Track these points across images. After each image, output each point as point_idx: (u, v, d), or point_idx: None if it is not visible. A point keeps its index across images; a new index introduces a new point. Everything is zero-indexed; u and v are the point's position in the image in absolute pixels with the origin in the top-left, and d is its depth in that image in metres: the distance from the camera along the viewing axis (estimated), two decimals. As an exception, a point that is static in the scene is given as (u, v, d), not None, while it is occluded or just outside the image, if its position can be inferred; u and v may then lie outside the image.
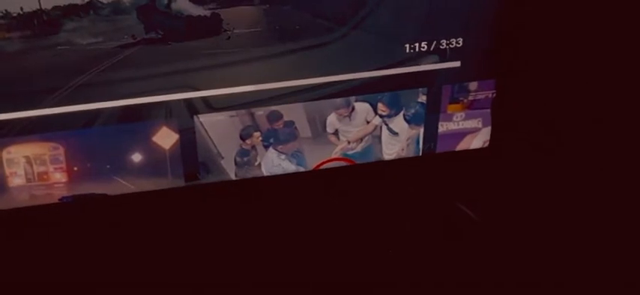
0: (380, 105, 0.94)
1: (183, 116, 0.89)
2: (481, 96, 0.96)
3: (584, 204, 0.99)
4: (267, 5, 0.86)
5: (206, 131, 0.91)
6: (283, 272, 0.95)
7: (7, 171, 0.87)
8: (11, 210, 0.89)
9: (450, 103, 0.96)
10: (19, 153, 0.87)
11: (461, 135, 0.98)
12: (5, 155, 0.87)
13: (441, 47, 0.92)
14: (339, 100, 0.93)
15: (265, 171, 0.95)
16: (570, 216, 0.99)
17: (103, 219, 0.94)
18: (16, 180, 0.88)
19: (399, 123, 0.96)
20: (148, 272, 0.94)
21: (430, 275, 0.95)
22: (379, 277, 0.95)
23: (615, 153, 0.98)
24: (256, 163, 0.94)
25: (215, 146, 0.92)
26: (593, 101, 0.97)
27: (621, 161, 0.97)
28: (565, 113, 0.98)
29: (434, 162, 0.98)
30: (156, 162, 0.91)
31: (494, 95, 0.96)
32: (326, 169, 0.96)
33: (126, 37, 0.84)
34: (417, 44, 0.91)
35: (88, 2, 0.82)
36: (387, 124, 0.96)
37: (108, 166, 0.90)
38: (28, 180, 0.89)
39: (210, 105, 0.89)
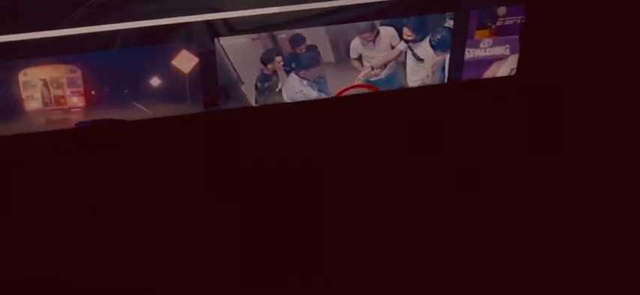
0: (405, 30, 0.92)
1: (204, 39, 0.87)
2: (510, 21, 0.94)
3: (612, 132, 0.98)
4: None
5: (226, 55, 0.89)
6: (301, 199, 0.94)
7: (24, 94, 0.85)
8: (27, 134, 0.87)
9: (478, 28, 0.93)
10: (36, 76, 0.85)
11: (488, 62, 0.95)
12: (22, 77, 0.85)
13: (470, -31, 0.89)
14: (363, 24, 0.90)
15: (286, 97, 0.93)
16: (599, 146, 0.98)
17: (119, 144, 0.92)
18: (33, 103, 0.86)
19: (424, 48, 0.93)
20: (161, 198, 0.93)
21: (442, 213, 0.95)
22: (395, 205, 0.94)
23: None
24: (277, 89, 0.92)
25: (235, 70, 0.90)
26: (626, 31, 0.95)
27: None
28: (595, 40, 0.96)
29: (459, 90, 0.96)
30: (175, 87, 0.89)
31: (523, 21, 0.94)
32: (348, 96, 0.94)
33: (146, -46, 0.82)
34: (445, -35, 0.89)
35: None
36: (412, 50, 0.93)
37: (126, 90, 0.88)
38: (45, 103, 0.87)
39: (232, 28, 0.87)
